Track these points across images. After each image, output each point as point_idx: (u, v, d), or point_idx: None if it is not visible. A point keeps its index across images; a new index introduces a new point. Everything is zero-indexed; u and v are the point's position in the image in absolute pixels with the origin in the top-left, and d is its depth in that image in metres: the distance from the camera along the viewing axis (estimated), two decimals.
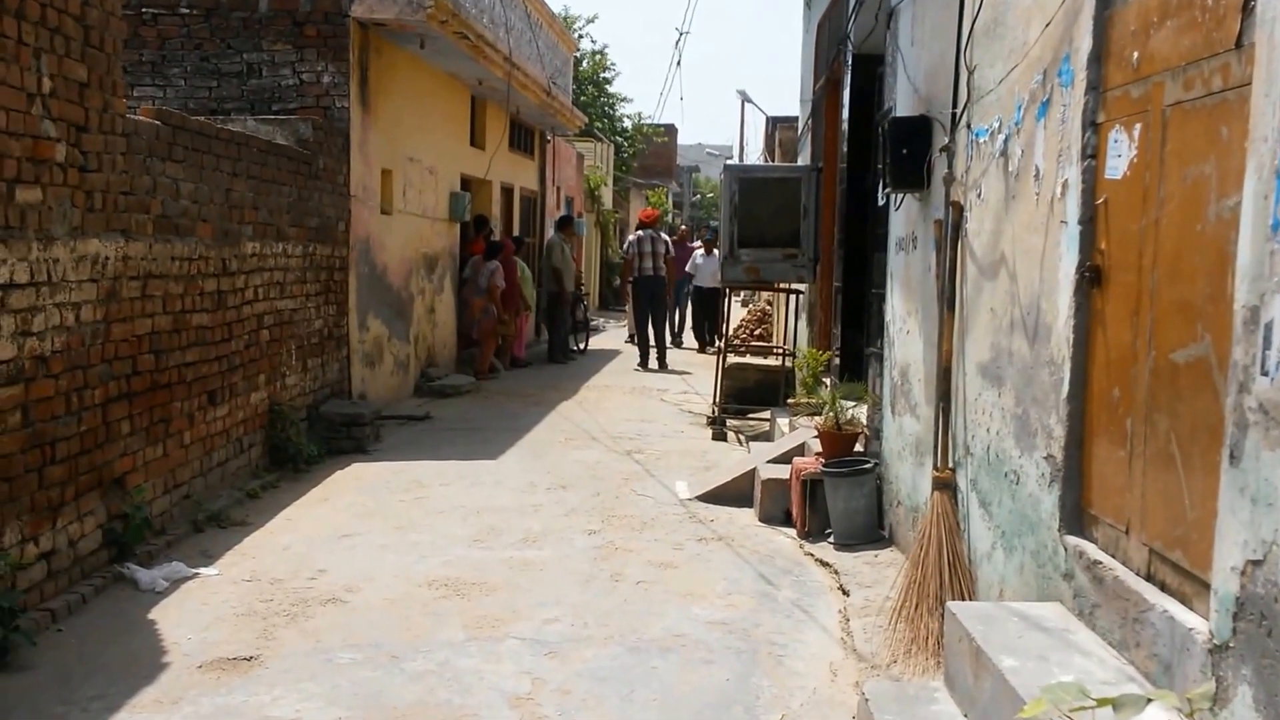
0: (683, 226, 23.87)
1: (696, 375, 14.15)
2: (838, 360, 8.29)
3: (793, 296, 11.12)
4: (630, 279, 15.96)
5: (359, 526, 6.54)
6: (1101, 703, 2.41)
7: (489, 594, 5.37)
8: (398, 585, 5.46)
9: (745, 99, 28.68)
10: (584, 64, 31.60)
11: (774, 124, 19.44)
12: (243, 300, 7.41)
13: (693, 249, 18.72)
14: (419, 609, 5.14)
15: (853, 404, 6.99)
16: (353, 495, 7.32)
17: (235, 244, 7.27)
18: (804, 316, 10.55)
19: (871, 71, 7.56)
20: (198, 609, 5.09)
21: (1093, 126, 3.39)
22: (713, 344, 15.38)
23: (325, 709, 4.05)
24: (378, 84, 10.30)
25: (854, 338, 8.05)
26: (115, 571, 5.44)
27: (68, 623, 4.86)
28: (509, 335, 14.41)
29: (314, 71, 9.64)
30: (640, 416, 10.90)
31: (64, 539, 5.17)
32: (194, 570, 5.58)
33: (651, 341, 15.28)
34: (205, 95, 9.68)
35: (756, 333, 16.46)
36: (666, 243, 16.19)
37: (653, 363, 15.15)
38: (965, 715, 3.35)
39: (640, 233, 15.84)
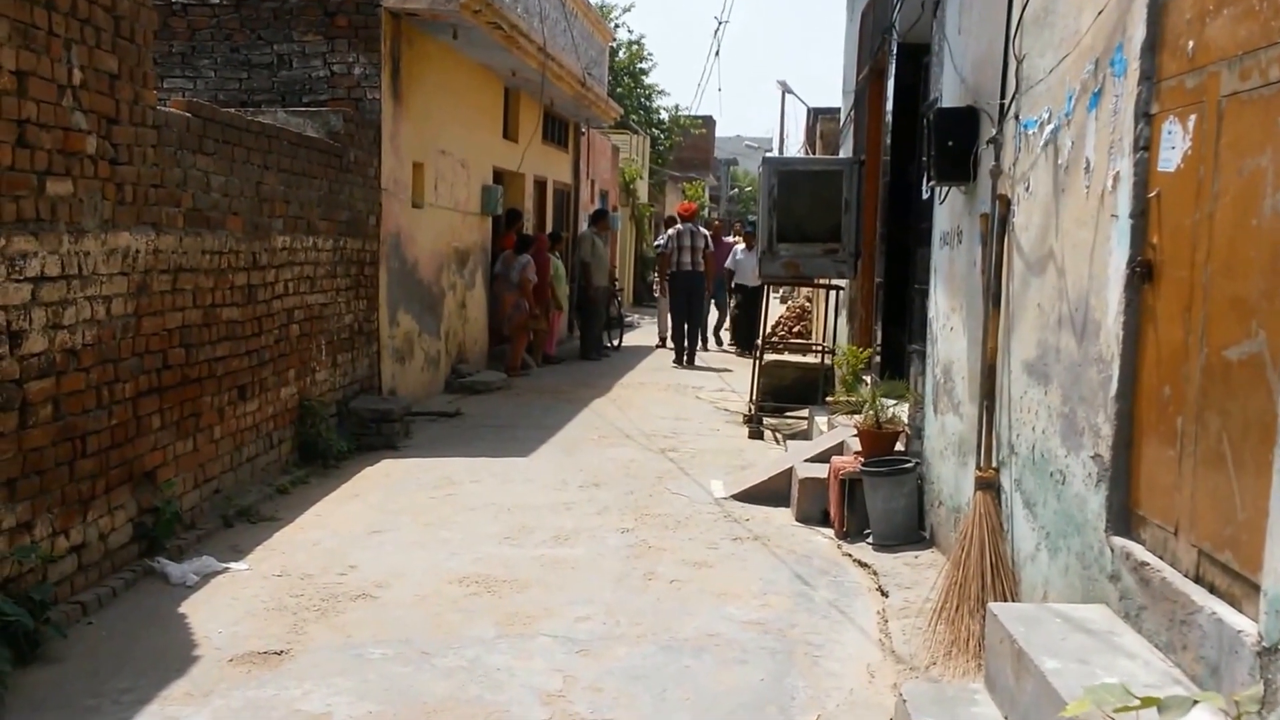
0: (716, 220, 22.75)
1: (733, 373, 14.18)
2: (879, 358, 8.29)
3: (833, 293, 11.12)
4: (668, 274, 15.92)
5: (389, 523, 6.62)
6: (1146, 703, 2.42)
7: (520, 591, 5.43)
8: (428, 582, 5.53)
9: (786, 90, 28.66)
10: (620, 54, 31.66)
11: (815, 116, 19.41)
12: (273, 294, 7.51)
13: (729, 244, 18.18)
14: (449, 605, 5.21)
15: (894, 402, 6.99)
16: (383, 492, 7.41)
17: (265, 238, 7.37)
18: (844, 313, 10.55)
19: (917, 61, 7.55)
20: (228, 603, 5.18)
21: (1146, 118, 3.38)
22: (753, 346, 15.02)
23: (356, 703, 4.12)
24: (409, 75, 10.39)
25: (896, 335, 8.04)
26: (145, 565, 5.54)
27: (98, 616, 4.97)
28: (541, 331, 14.47)
29: (345, 63, 9.74)
30: (675, 414, 10.93)
31: (94, 532, 5.27)
32: (224, 565, 5.67)
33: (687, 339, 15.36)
34: (235, 87, 9.80)
35: (795, 329, 16.45)
36: (706, 237, 16.15)
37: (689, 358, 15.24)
38: (1006, 717, 3.36)
39: (679, 226, 15.87)
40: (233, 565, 5.70)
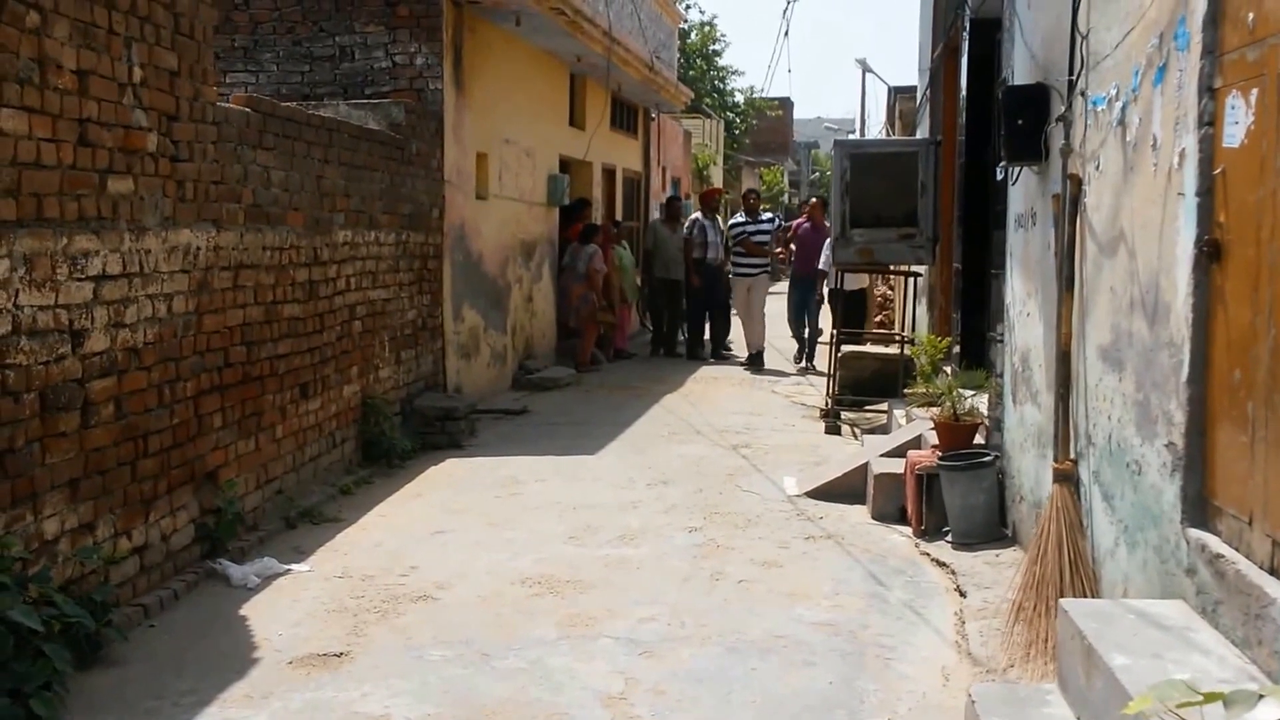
0: (813, 200, 17.01)
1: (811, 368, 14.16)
2: (957, 347, 8.24)
3: (912, 281, 11.06)
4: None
5: (452, 523, 6.77)
6: (1209, 698, 2.43)
7: (583, 592, 5.53)
8: (490, 583, 5.66)
9: (865, 69, 28.45)
10: (692, 36, 31.70)
11: (895, 95, 19.27)
12: (334, 290, 7.70)
13: (825, 232, 13.94)
14: (511, 607, 5.33)
15: (972, 393, 6.96)
16: (446, 491, 7.57)
17: (327, 233, 7.56)
18: (923, 300, 10.49)
19: (991, 37, 7.50)
20: (289, 605, 5.35)
21: (1210, 92, 3.37)
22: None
23: (414, 705, 4.25)
24: (472, 64, 10.55)
25: (975, 322, 8.00)
26: (207, 567, 5.73)
27: (160, 618, 5.16)
28: (609, 324, 14.47)
29: (407, 53, 9.93)
30: (750, 409, 10.98)
31: (156, 533, 5.47)
32: (286, 566, 5.85)
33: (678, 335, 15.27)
34: (298, 80, 10.05)
35: (877, 319, 16.36)
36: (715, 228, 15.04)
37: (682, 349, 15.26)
38: (1078, 718, 3.37)
39: (696, 216, 15.32)
40: (294, 566, 5.88)
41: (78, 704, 4.22)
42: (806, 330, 14.35)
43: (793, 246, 14.95)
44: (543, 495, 7.45)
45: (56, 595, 4.44)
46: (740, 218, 15.02)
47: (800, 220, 15.60)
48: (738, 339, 15.30)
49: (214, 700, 4.29)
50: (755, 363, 14.10)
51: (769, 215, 15.30)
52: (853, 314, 12.78)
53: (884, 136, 19.93)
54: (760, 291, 14.51)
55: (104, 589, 4.85)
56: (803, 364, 14.20)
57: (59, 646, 4.20)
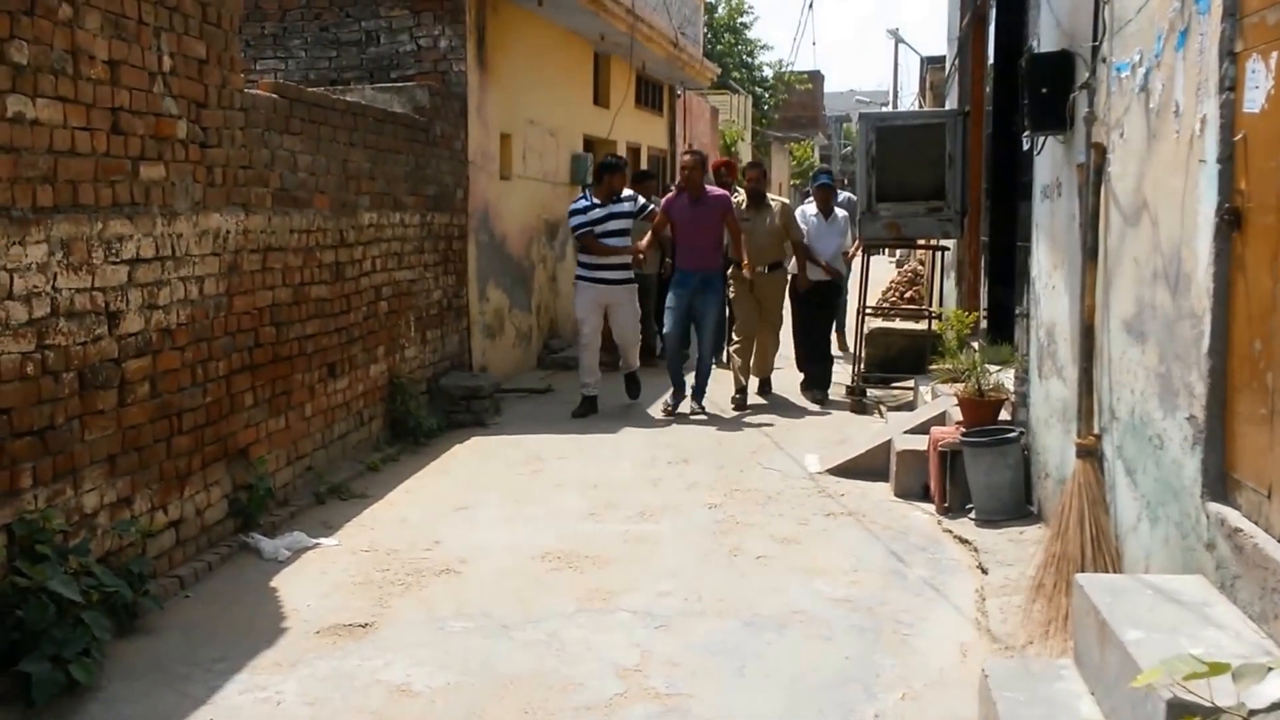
0: (686, 157, 10.94)
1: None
2: (984, 322, 8.19)
3: (941, 254, 10.96)
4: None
5: (475, 499, 6.82)
6: (1214, 670, 2.43)
7: (602, 567, 5.56)
8: (511, 557, 5.71)
9: (897, 39, 28.17)
10: (719, 9, 31.54)
11: (927, 65, 19.15)
12: (361, 272, 7.74)
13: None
14: (531, 581, 5.37)
15: (997, 368, 6.92)
16: (471, 469, 7.62)
17: (352, 215, 7.60)
18: (952, 275, 10.42)
19: (1021, 4, 7.42)
20: (317, 578, 5.43)
21: (1230, 56, 3.32)
22: (821, 388, 10.16)
23: (435, 674, 4.31)
24: (495, 45, 10.55)
25: (1004, 296, 7.93)
26: (240, 541, 5.84)
27: (195, 589, 5.27)
28: None
29: (431, 36, 9.95)
30: (776, 387, 10.91)
31: (191, 508, 5.57)
32: (315, 540, 5.93)
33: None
34: (325, 65, 10.09)
35: (907, 295, 16.26)
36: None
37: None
38: (1092, 693, 3.36)
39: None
40: (323, 541, 5.96)
41: (115, 669, 4.33)
42: (697, 348, 9.95)
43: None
44: (565, 472, 7.48)
45: (96, 566, 4.57)
46: (583, 202, 9.70)
47: (669, 195, 10.00)
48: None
49: (244, 667, 4.38)
50: (630, 386, 10.00)
51: (629, 194, 9.85)
52: (818, 311, 10.43)
53: (916, 108, 19.79)
54: (628, 309, 9.73)
55: (141, 561, 4.96)
56: (671, 403, 9.48)
57: (97, 615, 4.32)
